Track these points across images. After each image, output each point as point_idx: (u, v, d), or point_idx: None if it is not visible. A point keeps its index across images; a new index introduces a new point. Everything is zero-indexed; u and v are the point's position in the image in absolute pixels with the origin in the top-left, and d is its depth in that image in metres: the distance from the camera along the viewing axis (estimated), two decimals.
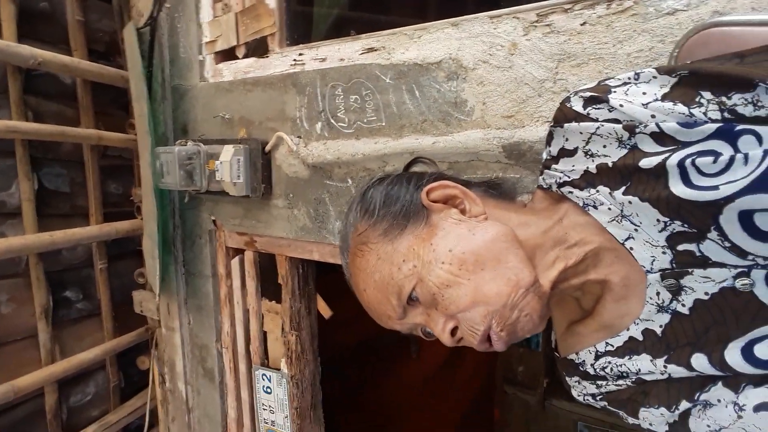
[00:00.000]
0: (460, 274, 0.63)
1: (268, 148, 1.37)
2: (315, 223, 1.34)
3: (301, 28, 1.45)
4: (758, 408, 0.54)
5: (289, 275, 1.49)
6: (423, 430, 3.42)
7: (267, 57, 1.38)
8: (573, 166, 0.67)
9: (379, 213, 0.71)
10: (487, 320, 0.63)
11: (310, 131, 1.30)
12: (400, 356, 3.17)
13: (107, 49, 1.78)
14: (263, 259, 1.57)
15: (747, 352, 0.55)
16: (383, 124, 1.17)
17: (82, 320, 1.74)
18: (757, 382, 0.55)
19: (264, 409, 1.61)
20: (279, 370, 1.55)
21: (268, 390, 1.59)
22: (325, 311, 1.58)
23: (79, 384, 1.73)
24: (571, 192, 0.67)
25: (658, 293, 0.61)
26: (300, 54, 1.31)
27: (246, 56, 1.44)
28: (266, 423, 1.61)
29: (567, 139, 0.67)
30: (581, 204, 0.66)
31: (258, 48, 1.44)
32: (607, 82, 0.65)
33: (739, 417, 0.55)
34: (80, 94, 1.67)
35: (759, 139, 0.53)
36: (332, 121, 1.25)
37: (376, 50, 1.17)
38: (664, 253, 0.60)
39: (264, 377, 1.59)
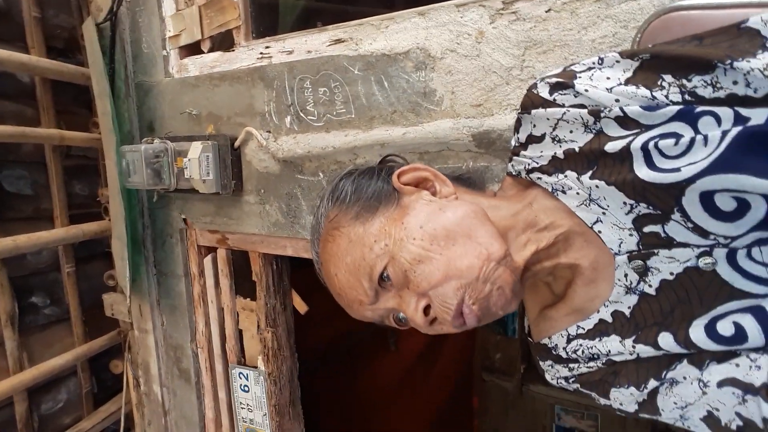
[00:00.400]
0: (432, 249, 0.63)
1: (237, 143, 1.35)
2: (287, 218, 1.33)
3: (267, 21, 1.43)
4: (721, 384, 0.55)
5: (263, 272, 1.47)
6: (403, 421, 3.44)
7: (233, 51, 1.35)
8: (541, 152, 0.67)
9: (351, 199, 0.71)
10: (460, 294, 0.62)
11: (280, 125, 1.28)
12: (379, 349, 3.18)
13: (66, 46, 1.72)
14: (236, 256, 1.55)
15: (710, 329, 0.56)
16: (353, 116, 1.17)
17: (51, 326, 1.69)
18: (720, 358, 0.57)
19: (242, 407, 1.59)
20: (256, 367, 1.54)
21: (246, 388, 1.57)
22: (301, 307, 1.57)
23: (50, 391, 1.68)
24: (539, 178, 0.68)
25: (626, 275, 0.63)
26: (266, 47, 1.29)
27: (211, 50, 1.42)
28: (245, 422, 1.60)
29: (534, 126, 0.68)
30: (550, 189, 0.67)
31: (223, 42, 1.41)
32: (572, 67, 0.65)
33: (704, 393, 0.57)
34: (40, 93, 1.62)
35: (718, 120, 0.54)
36: (301, 114, 1.24)
37: (343, 41, 1.16)
38: (631, 235, 0.61)
39: (241, 376, 1.57)
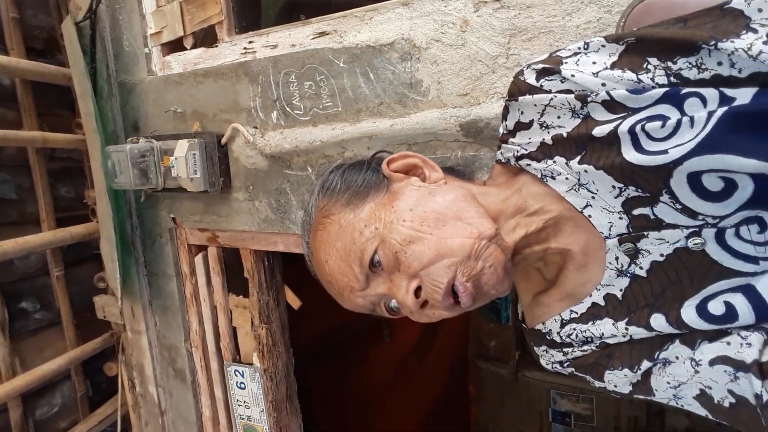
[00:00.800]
0: (422, 229, 0.64)
1: (224, 140, 1.34)
2: (277, 214, 1.32)
3: (250, 15, 1.41)
4: (713, 362, 0.56)
5: (254, 268, 1.47)
6: (399, 411, 3.46)
7: (216, 46, 1.34)
8: (529, 138, 0.68)
9: (341, 188, 0.72)
10: (451, 272, 0.62)
11: (266, 121, 1.27)
12: (373, 341, 3.19)
13: (46, 46, 1.69)
14: (227, 254, 1.55)
15: (701, 309, 0.57)
16: (339, 109, 1.16)
17: (42, 331, 1.67)
18: (712, 337, 0.57)
19: (239, 404, 1.59)
20: (251, 364, 1.54)
21: (242, 385, 1.57)
22: (294, 302, 1.57)
23: (44, 396, 1.67)
24: (528, 164, 0.68)
25: (617, 258, 0.63)
26: (250, 42, 1.27)
27: (194, 47, 1.40)
28: (242, 419, 1.60)
29: (522, 113, 0.68)
30: (539, 175, 0.67)
31: (206, 37, 1.40)
32: (558, 53, 0.65)
33: (696, 372, 0.58)
34: (20, 95, 1.59)
35: (704, 101, 0.54)
36: (288, 109, 1.23)
37: (327, 34, 1.15)
38: (620, 218, 0.61)
39: (237, 373, 1.57)
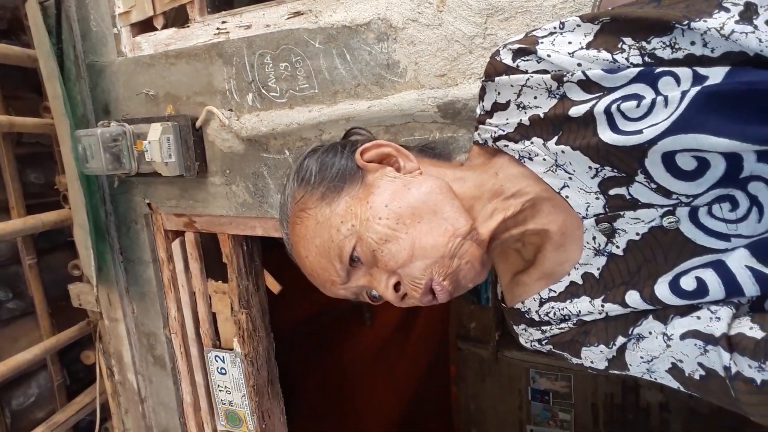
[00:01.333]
0: (398, 228, 0.64)
1: (198, 123, 1.31)
2: (255, 198, 1.31)
3: None
4: (684, 336, 0.57)
5: (233, 253, 1.45)
6: (382, 392, 3.49)
7: (188, 27, 1.30)
8: (507, 119, 0.67)
9: (316, 179, 0.71)
10: (428, 273, 0.64)
11: (242, 103, 1.25)
12: (354, 324, 3.20)
13: (10, 27, 1.63)
14: (205, 239, 1.53)
15: (674, 285, 0.58)
16: (316, 91, 1.14)
17: (15, 320, 1.64)
18: (683, 312, 0.59)
19: (220, 390, 1.59)
20: (232, 350, 1.53)
21: (223, 371, 1.56)
22: (274, 286, 1.56)
23: (20, 386, 1.64)
24: (506, 145, 0.68)
25: (594, 237, 0.64)
26: (223, 22, 1.24)
27: (165, 27, 1.36)
28: (224, 404, 1.59)
29: (499, 93, 0.68)
30: (517, 156, 0.67)
31: (177, 18, 1.36)
32: (534, 32, 0.65)
33: (668, 346, 0.59)
34: None
35: (677, 80, 0.54)
36: (263, 91, 1.21)
37: (302, 14, 1.13)
38: (597, 198, 0.62)
39: (217, 359, 1.56)
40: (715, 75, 0.53)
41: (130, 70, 1.40)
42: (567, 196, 0.64)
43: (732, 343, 0.52)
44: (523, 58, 0.64)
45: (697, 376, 0.57)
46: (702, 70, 0.53)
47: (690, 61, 0.55)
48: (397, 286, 0.66)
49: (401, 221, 0.64)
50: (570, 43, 0.62)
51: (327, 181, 0.70)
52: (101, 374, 1.77)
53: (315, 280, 0.72)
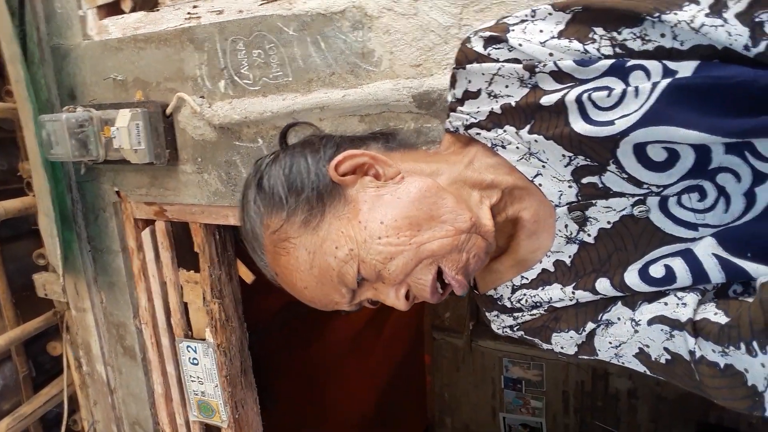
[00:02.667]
0: (400, 242, 0.62)
1: (169, 110, 1.28)
2: (228, 186, 1.29)
3: None
4: (651, 321, 0.58)
5: (205, 243, 1.43)
6: (356, 382, 3.51)
7: (158, 10, 1.27)
8: (478, 108, 0.67)
9: (289, 203, 0.65)
10: (434, 267, 0.63)
11: (214, 90, 1.22)
12: (329, 314, 3.20)
13: None
14: (176, 228, 1.50)
15: (643, 273, 0.59)
16: (290, 79, 1.13)
17: None
18: (651, 298, 0.60)
19: (192, 380, 1.57)
20: (204, 340, 1.51)
21: (195, 361, 1.55)
22: (247, 276, 1.54)
23: None
24: (478, 133, 0.68)
25: (566, 226, 0.64)
26: (194, 6, 1.21)
27: (133, 10, 1.32)
28: (196, 394, 1.58)
29: (470, 81, 0.67)
30: (489, 144, 0.67)
31: (147, 0, 1.32)
32: (505, 20, 0.65)
33: (636, 331, 0.60)
34: None
35: (648, 74, 0.55)
36: (236, 78, 1.19)
37: (276, 0, 1.11)
38: (570, 186, 0.63)
39: (189, 349, 1.54)
40: (685, 69, 0.53)
41: (97, 54, 1.36)
42: (540, 185, 0.65)
43: (697, 328, 0.54)
44: (494, 46, 0.64)
45: (663, 360, 0.58)
46: (672, 65, 0.54)
47: (660, 53, 0.56)
48: (407, 295, 0.65)
49: (401, 234, 0.62)
50: (541, 31, 0.62)
51: (304, 203, 0.65)
52: (69, 365, 1.74)
53: (315, 304, 0.69)
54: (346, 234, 0.63)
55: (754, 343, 0.48)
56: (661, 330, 0.57)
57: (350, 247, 0.63)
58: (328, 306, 0.69)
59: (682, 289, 0.58)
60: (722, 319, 0.52)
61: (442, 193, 0.65)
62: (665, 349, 0.57)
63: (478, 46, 0.65)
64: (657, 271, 0.59)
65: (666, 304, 0.58)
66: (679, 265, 0.57)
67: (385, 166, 0.67)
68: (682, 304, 0.56)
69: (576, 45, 0.59)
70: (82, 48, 1.38)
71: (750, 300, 0.51)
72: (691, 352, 0.54)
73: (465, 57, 0.67)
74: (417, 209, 0.63)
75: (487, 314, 0.79)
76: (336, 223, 0.64)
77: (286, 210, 0.65)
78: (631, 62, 0.56)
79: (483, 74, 0.65)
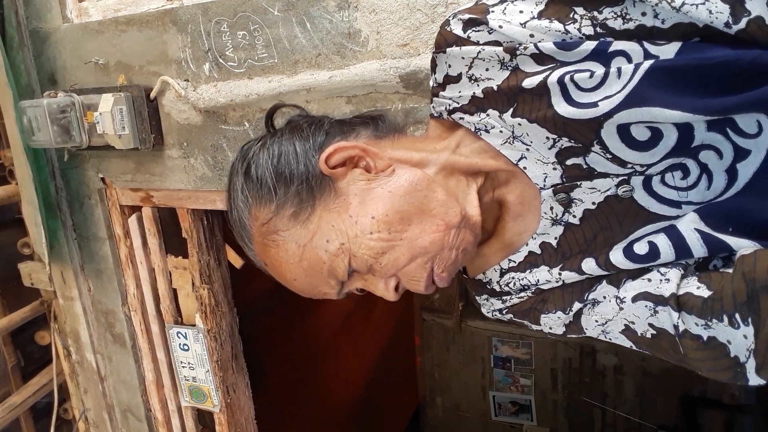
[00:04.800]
0: (392, 237, 0.62)
1: (153, 94, 1.26)
2: (215, 171, 1.28)
3: None
4: (636, 298, 0.59)
5: (193, 228, 1.42)
6: (347, 364, 3.53)
7: None
8: (459, 92, 0.67)
9: (278, 195, 0.64)
10: (428, 267, 0.63)
11: (198, 73, 1.21)
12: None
13: None
14: (163, 214, 1.49)
15: (628, 251, 0.60)
16: (276, 60, 1.11)
17: None
18: (635, 275, 0.61)
19: (183, 366, 1.57)
20: (194, 325, 1.51)
21: (186, 347, 1.55)
22: (236, 261, 1.54)
23: None
24: (462, 118, 0.68)
25: (551, 208, 0.65)
26: None
27: None
28: (187, 380, 1.58)
29: (450, 66, 0.67)
30: (473, 129, 0.67)
31: None
32: (484, 0, 0.64)
33: (621, 309, 0.61)
34: None
35: (629, 59, 0.56)
36: (221, 60, 1.17)
37: None
38: (554, 169, 0.63)
39: (179, 335, 1.54)
40: (667, 53, 0.54)
41: (77, 37, 1.33)
42: (525, 168, 0.65)
43: (680, 302, 0.55)
44: (474, 28, 0.63)
45: (648, 336, 0.59)
46: (653, 49, 0.55)
47: (641, 32, 0.56)
48: (397, 287, 0.66)
49: (393, 229, 0.62)
50: (521, 12, 0.61)
51: (293, 195, 0.64)
52: (57, 354, 1.73)
53: (304, 293, 0.69)
54: (337, 228, 0.63)
55: (737, 316, 0.49)
56: (646, 306, 0.58)
57: (341, 242, 0.62)
58: (316, 296, 0.69)
59: (665, 265, 0.59)
60: (705, 292, 0.53)
61: (432, 185, 0.65)
62: (650, 324, 0.58)
63: (457, 29, 0.64)
64: (641, 248, 0.59)
65: (649, 280, 0.59)
66: (662, 241, 0.58)
67: (376, 158, 0.66)
68: (665, 279, 0.57)
69: (556, 25, 0.59)
70: (61, 31, 1.35)
71: (730, 271, 0.52)
72: (675, 326, 0.55)
73: (444, 41, 0.66)
74: (408, 203, 0.63)
75: (476, 298, 0.79)
76: (326, 216, 0.63)
77: (275, 202, 0.64)
78: (613, 47, 0.56)
79: (463, 58, 0.65)
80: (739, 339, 0.50)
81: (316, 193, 0.64)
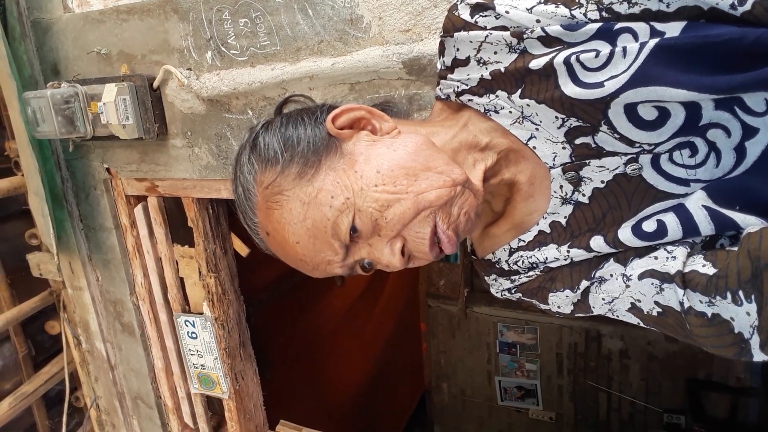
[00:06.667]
0: (397, 190, 0.62)
1: (156, 83, 1.26)
2: (219, 160, 1.28)
3: None
4: (642, 276, 0.60)
5: (198, 217, 1.43)
6: (353, 351, 3.56)
7: None
8: (468, 75, 0.67)
9: (284, 156, 0.65)
10: (431, 220, 0.62)
11: (201, 62, 1.20)
12: (325, 285, 3.22)
13: None
14: (169, 203, 1.50)
15: (636, 229, 0.60)
16: (278, 48, 1.11)
17: None
18: (641, 253, 0.61)
19: (192, 354, 1.59)
20: (202, 314, 1.52)
21: (194, 335, 1.56)
22: (242, 249, 1.55)
23: None
24: (470, 100, 0.68)
25: (561, 186, 0.65)
26: None
27: None
28: (196, 367, 1.60)
29: (458, 49, 0.67)
30: (482, 110, 0.67)
31: None
32: None
33: (627, 286, 0.62)
34: None
35: (635, 36, 0.56)
36: (223, 48, 1.17)
37: None
38: (564, 148, 0.63)
39: (187, 323, 1.55)
40: (672, 30, 0.54)
41: (79, 27, 1.33)
42: (534, 147, 0.65)
43: (686, 280, 0.55)
44: (481, 13, 0.64)
45: (654, 313, 0.60)
46: (659, 26, 0.54)
47: (647, 15, 0.56)
48: (402, 252, 0.64)
49: (398, 182, 0.62)
50: None
51: (299, 156, 0.64)
52: (68, 344, 1.75)
53: (305, 265, 0.67)
54: (342, 184, 0.62)
55: (740, 293, 0.49)
56: (652, 284, 0.59)
57: (346, 196, 0.62)
58: (320, 266, 0.67)
59: (672, 243, 0.59)
60: (710, 270, 0.53)
61: (437, 149, 0.65)
62: (656, 302, 0.59)
63: (464, 13, 0.65)
64: (649, 225, 0.60)
65: (656, 258, 0.59)
66: (670, 219, 0.58)
67: (382, 120, 0.68)
68: (672, 257, 0.58)
69: (562, 10, 0.59)
70: (63, 21, 1.35)
71: (736, 249, 0.52)
72: (681, 303, 0.55)
73: (452, 25, 0.66)
74: (413, 161, 0.63)
75: (485, 278, 0.80)
76: (332, 174, 0.63)
77: (281, 164, 0.65)
78: (619, 25, 0.56)
79: (471, 42, 0.65)
80: (743, 316, 0.50)
81: (322, 153, 0.64)
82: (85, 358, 1.78)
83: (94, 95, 1.27)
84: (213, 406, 1.75)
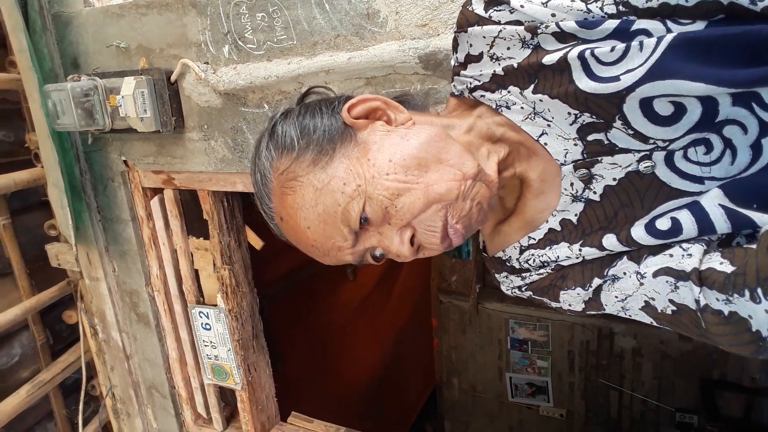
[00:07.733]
0: (408, 179, 0.62)
1: (173, 77, 1.27)
2: (234, 153, 1.29)
3: None
4: (656, 274, 0.59)
5: (214, 210, 1.44)
6: (365, 345, 3.57)
7: None
8: (481, 71, 0.67)
9: (300, 144, 0.66)
10: (442, 214, 0.63)
11: (218, 56, 1.21)
12: (337, 279, 3.24)
13: None
14: (185, 196, 1.51)
15: (650, 227, 0.60)
16: (295, 42, 1.11)
17: None
18: (656, 251, 0.61)
19: (206, 345, 1.61)
20: (216, 305, 1.54)
21: (208, 326, 1.58)
22: (256, 242, 1.56)
23: (2, 347, 1.64)
24: (483, 96, 0.68)
25: (572, 184, 0.65)
26: None
27: None
28: (209, 358, 1.62)
29: (471, 45, 0.67)
30: (494, 106, 0.67)
31: None
32: None
33: (641, 284, 0.61)
34: None
35: (650, 37, 0.55)
36: (240, 42, 1.17)
37: None
38: (575, 144, 0.63)
39: (201, 314, 1.57)
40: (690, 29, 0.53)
41: (99, 21, 1.34)
42: (545, 144, 0.65)
43: (702, 277, 0.54)
44: (495, 8, 0.63)
45: (669, 312, 0.59)
46: (676, 29, 0.54)
47: (665, 9, 0.55)
48: (411, 240, 0.65)
49: (409, 172, 0.62)
50: None
51: (314, 144, 0.65)
52: (84, 333, 1.78)
53: (317, 251, 0.68)
54: (355, 171, 0.63)
55: (759, 290, 0.49)
56: (666, 282, 0.58)
57: (358, 183, 0.63)
58: (330, 252, 0.68)
59: (687, 241, 0.58)
60: (728, 268, 0.53)
61: (450, 140, 0.66)
62: (670, 300, 0.58)
63: (479, 8, 0.65)
64: (663, 223, 0.59)
65: (671, 255, 0.59)
66: (685, 217, 0.58)
67: (397, 111, 0.68)
68: (688, 254, 0.57)
69: (578, 4, 0.58)
70: (83, 15, 1.36)
71: (754, 247, 0.52)
72: (697, 301, 0.55)
73: (466, 20, 0.66)
74: (425, 151, 0.63)
75: (496, 276, 0.80)
76: (345, 162, 0.64)
77: (296, 151, 0.66)
78: (636, 26, 0.55)
79: (484, 37, 0.65)
80: (761, 314, 0.49)
81: (336, 141, 0.65)
82: (102, 347, 1.81)
83: (113, 88, 1.28)
84: (226, 396, 1.77)
